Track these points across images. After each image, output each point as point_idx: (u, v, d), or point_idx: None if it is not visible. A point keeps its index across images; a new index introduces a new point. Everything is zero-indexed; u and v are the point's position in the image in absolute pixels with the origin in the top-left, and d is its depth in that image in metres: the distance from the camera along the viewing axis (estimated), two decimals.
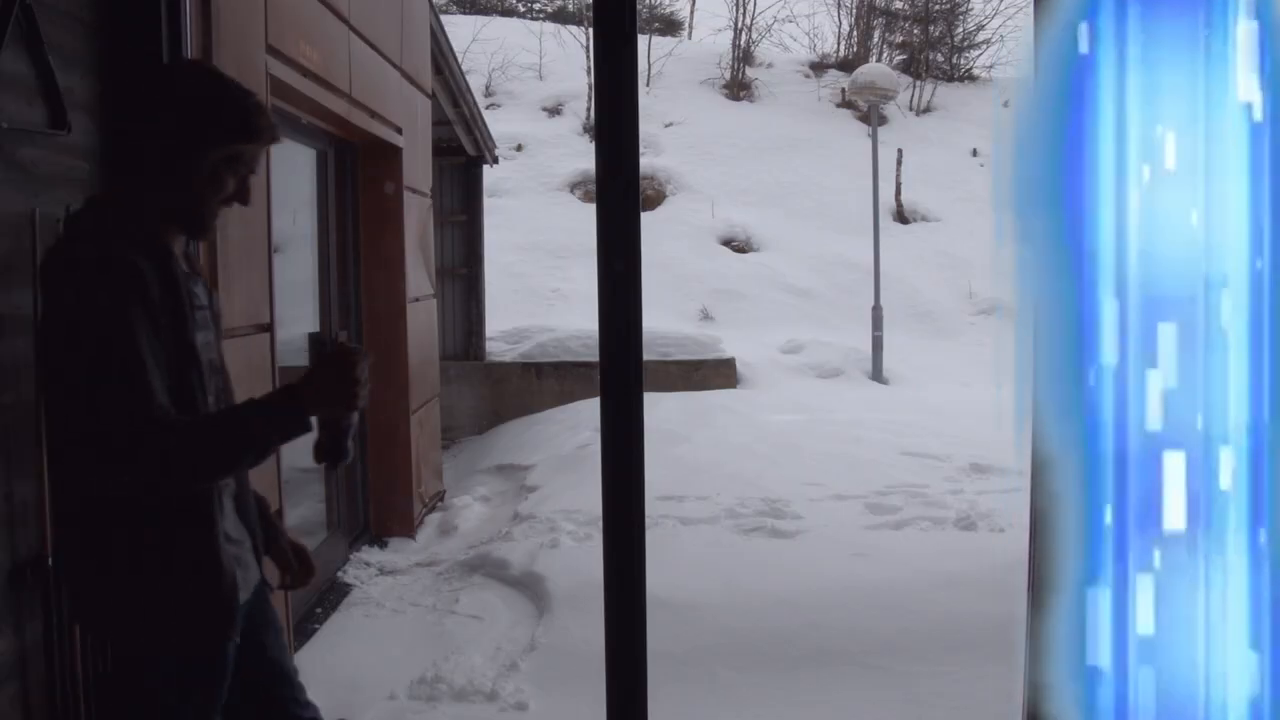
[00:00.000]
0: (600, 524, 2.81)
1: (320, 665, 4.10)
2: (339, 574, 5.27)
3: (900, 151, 17.55)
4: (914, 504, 6.49)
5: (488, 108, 17.78)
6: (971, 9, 22.88)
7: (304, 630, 4.50)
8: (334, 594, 5.04)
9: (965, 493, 6.80)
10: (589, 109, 18.39)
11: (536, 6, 25.86)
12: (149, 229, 1.83)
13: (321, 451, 1.97)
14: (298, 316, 4.85)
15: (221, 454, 1.78)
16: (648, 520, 2.96)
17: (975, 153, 19.35)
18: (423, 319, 6.48)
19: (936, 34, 22.68)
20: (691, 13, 25.73)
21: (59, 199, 2.39)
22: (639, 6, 3.33)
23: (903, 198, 17.47)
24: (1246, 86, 1.62)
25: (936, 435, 8.51)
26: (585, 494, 6.20)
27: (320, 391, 1.81)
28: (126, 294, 1.70)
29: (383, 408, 5.87)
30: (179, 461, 1.73)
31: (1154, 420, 1.69)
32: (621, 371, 2.81)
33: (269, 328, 3.60)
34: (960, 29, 22.74)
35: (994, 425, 8.51)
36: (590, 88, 16.63)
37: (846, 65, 21.26)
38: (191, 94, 1.84)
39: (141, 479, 1.72)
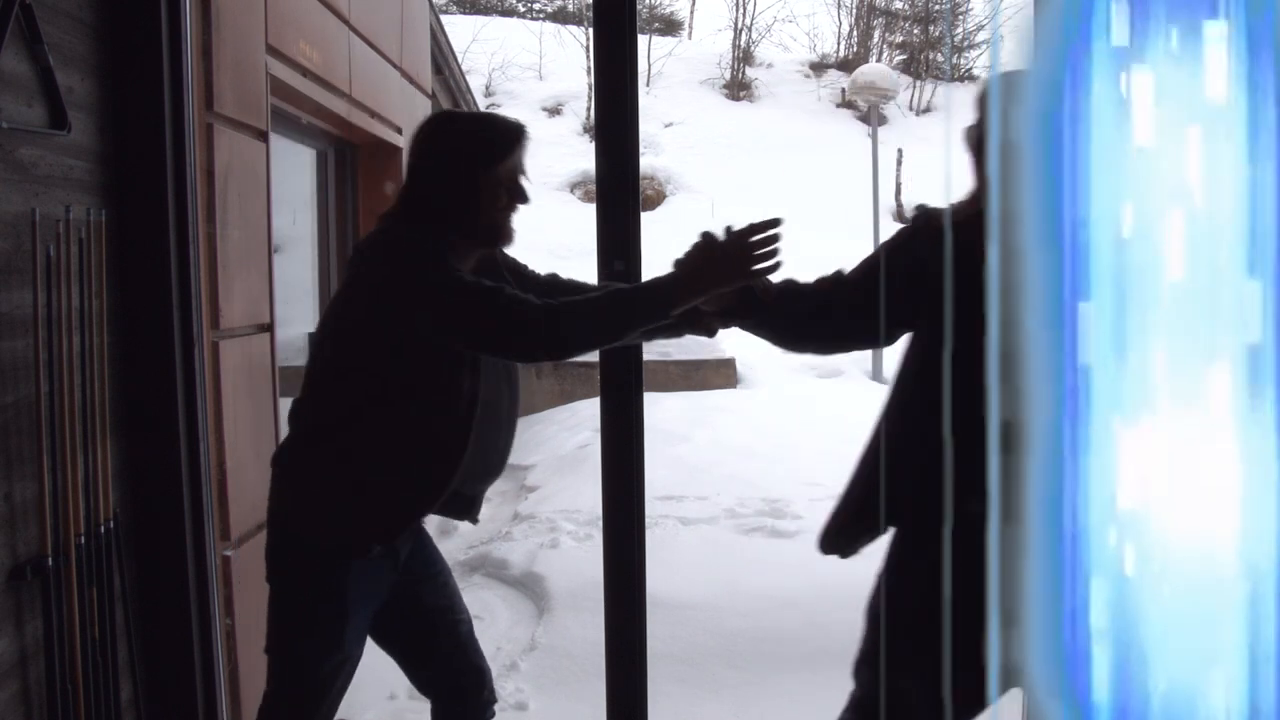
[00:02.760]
0: (600, 524, 2.81)
1: None
2: None
3: (900, 151, 17.57)
4: None
5: (488, 108, 17.77)
6: (971, 9, 22.88)
7: None
8: None
9: None
10: (589, 109, 18.40)
11: (536, 6, 25.87)
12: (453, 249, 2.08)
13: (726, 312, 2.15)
14: (298, 316, 4.84)
15: (580, 339, 2.03)
16: (648, 520, 2.96)
17: None
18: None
19: (936, 34, 22.69)
20: (691, 13, 25.77)
21: (58, 199, 2.39)
22: (639, 6, 3.33)
23: (902, 198, 17.48)
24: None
25: None
26: (585, 494, 6.21)
27: (711, 271, 1.98)
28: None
29: None
30: (537, 338, 1.96)
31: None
32: (621, 371, 2.81)
33: (269, 327, 3.60)
34: (960, 29, 22.75)
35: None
36: (590, 88, 16.63)
37: (846, 65, 21.27)
38: (453, 138, 2.13)
39: (507, 347, 2.01)
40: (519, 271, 2.38)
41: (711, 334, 2.29)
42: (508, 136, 2.12)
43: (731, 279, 2.02)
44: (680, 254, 2.06)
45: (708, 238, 2.04)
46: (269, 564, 2.28)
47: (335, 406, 2.16)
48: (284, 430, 3.76)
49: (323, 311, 2.23)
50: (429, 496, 2.17)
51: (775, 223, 2.03)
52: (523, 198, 2.14)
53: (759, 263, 2.01)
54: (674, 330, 2.23)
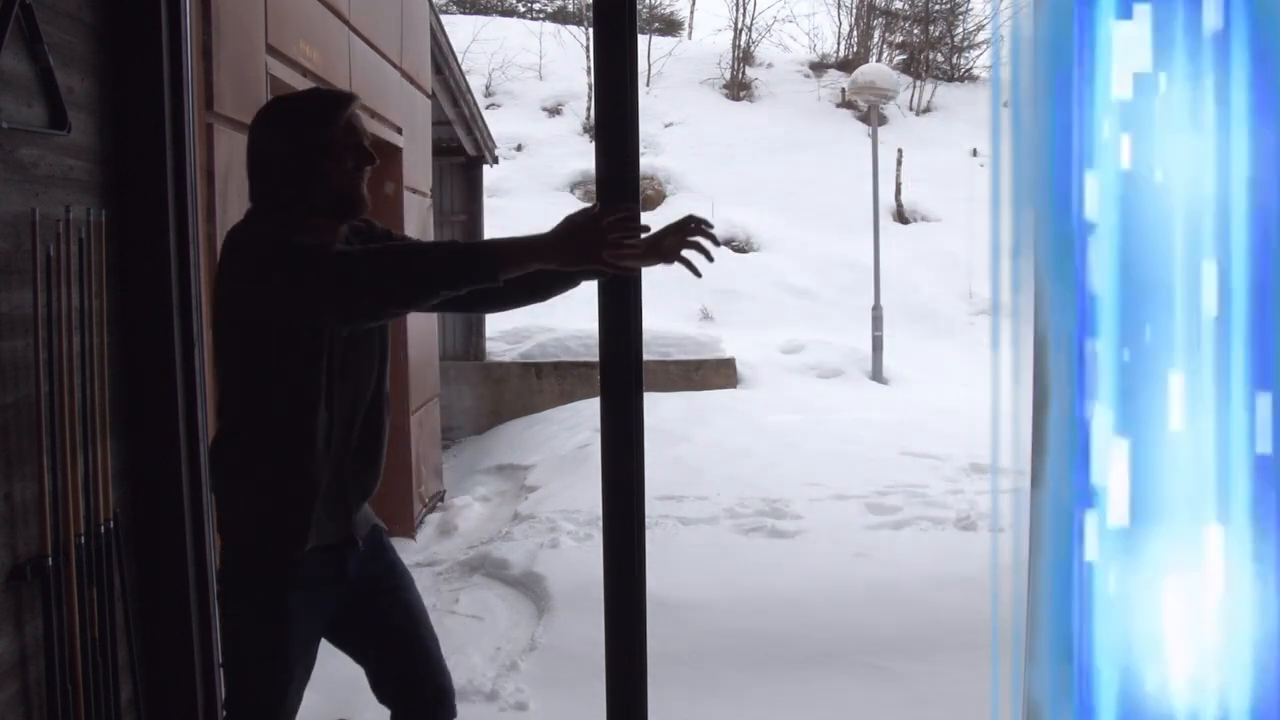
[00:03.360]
0: (600, 524, 2.81)
1: (320, 665, 4.08)
2: None
3: (900, 151, 17.55)
4: (914, 504, 6.49)
5: (488, 108, 17.78)
6: (971, 9, 22.88)
7: None
8: None
9: (965, 493, 6.80)
10: (589, 109, 18.40)
11: (536, 6, 25.88)
12: (312, 229, 2.08)
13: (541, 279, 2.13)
14: None
15: (406, 279, 1.96)
16: (648, 520, 2.96)
17: (975, 153, 19.34)
18: (422, 319, 6.48)
19: (936, 34, 22.69)
20: (691, 13, 25.85)
21: (58, 199, 2.39)
22: (639, 6, 3.33)
23: (903, 198, 17.48)
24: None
25: (936, 435, 8.51)
26: (585, 494, 6.20)
27: (556, 246, 1.97)
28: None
29: None
30: (372, 283, 1.95)
31: None
32: (621, 371, 2.80)
33: None
34: (960, 29, 22.75)
35: (994, 424, 8.54)
36: (590, 88, 16.63)
37: (846, 65, 21.27)
38: (278, 119, 2.11)
39: (349, 300, 1.98)
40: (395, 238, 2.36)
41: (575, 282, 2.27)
42: (331, 102, 2.10)
43: (576, 260, 2.01)
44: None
45: (570, 216, 2.03)
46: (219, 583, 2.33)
47: (232, 408, 2.21)
48: None
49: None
50: (305, 490, 2.14)
51: (631, 210, 2.07)
52: (367, 158, 2.10)
53: (610, 248, 1.99)
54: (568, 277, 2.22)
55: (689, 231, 2.14)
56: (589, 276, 2.21)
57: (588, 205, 2.06)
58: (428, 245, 2.04)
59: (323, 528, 2.19)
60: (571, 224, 2.00)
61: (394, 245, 2.04)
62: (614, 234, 1.99)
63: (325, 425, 2.12)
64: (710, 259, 2.15)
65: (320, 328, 2.06)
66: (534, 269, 2.01)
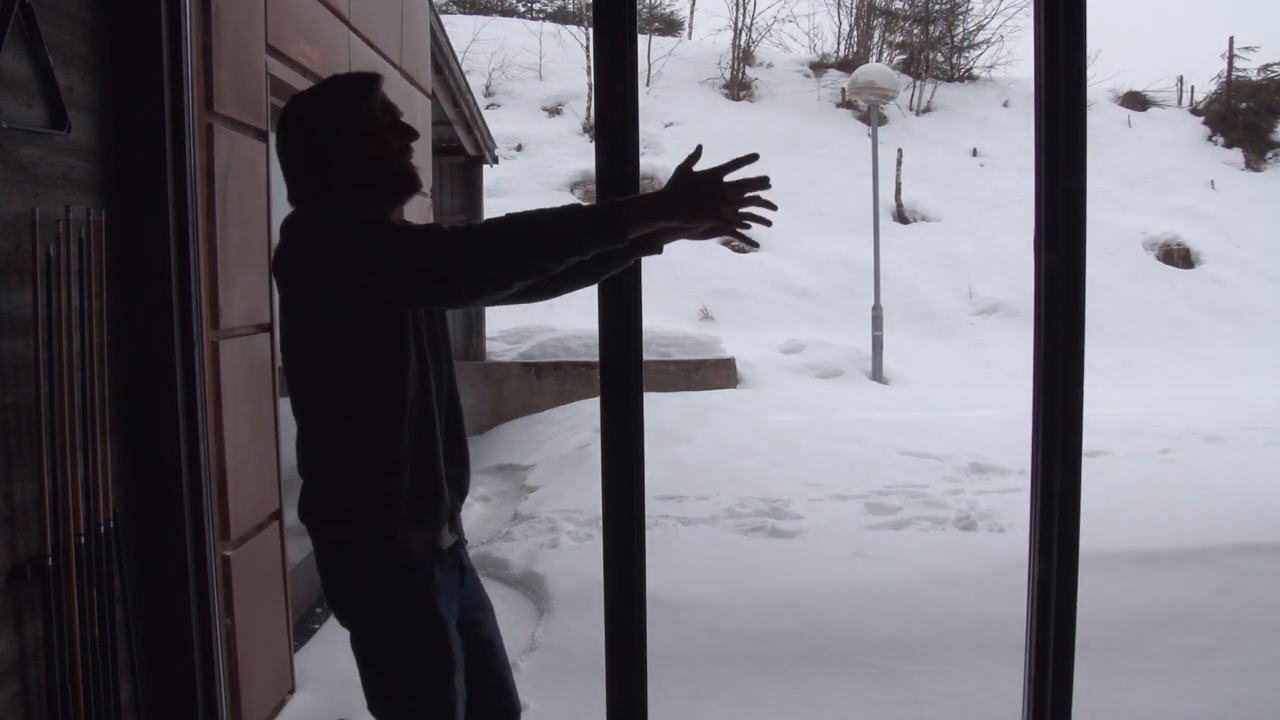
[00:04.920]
0: (600, 524, 2.81)
1: (320, 665, 4.09)
2: None
3: (900, 151, 17.56)
4: (914, 504, 6.49)
5: (488, 108, 17.79)
6: (971, 9, 22.89)
7: (304, 630, 4.50)
8: None
9: (965, 493, 6.80)
10: (589, 109, 18.40)
11: (536, 6, 25.87)
12: (378, 211, 2.03)
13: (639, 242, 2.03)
14: None
15: (528, 249, 1.87)
16: (648, 520, 2.96)
17: (975, 152, 19.34)
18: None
19: (936, 34, 22.68)
20: (691, 12, 25.86)
21: (58, 199, 2.39)
22: (639, 6, 3.32)
23: (902, 197, 17.48)
24: None
25: (936, 435, 8.51)
26: (585, 494, 6.21)
27: (676, 203, 1.86)
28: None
29: None
30: (488, 254, 1.86)
31: None
32: (621, 371, 2.80)
33: (269, 327, 3.61)
34: (960, 29, 22.74)
35: (994, 425, 8.53)
36: (590, 87, 16.63)
37: (846, 65, 21.28)
38: (308, 113, 2.05)
39: (459, 273, 1.86)
40: None
41: (658, 249, 2.19)
42: (361, 84, 2.04)
43: (699, 215, 1.90)
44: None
45: (681, 168, 1.92)
46: (351, 612, 2.14)
47: (334, 428, 2.05)
48: (285, 430, 3.76)
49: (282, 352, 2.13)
50: (433, 475, 2.06)
51: (752, 158, 1.93)
52: (410, 134, 2.06)
53: (731, 205, 1.90)
54: (624, 255, 2.17)
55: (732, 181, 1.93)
56: (696, 235, 2.06)
57: (698, 157, 1.94)
58: (549, 210, 1.90)
59: (444, 533, 2.13)
60: (691, 179, 1.90)
61: (514, 214, 1.91)
62: (735, 193, 1.89)
63: (428, 423, 2.04)
64: (768, 223, 1.97)
65: (416, 312, 1.98)
66: (658, 226, 1.92)
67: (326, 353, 1.99)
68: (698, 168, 1.94)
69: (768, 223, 1.95)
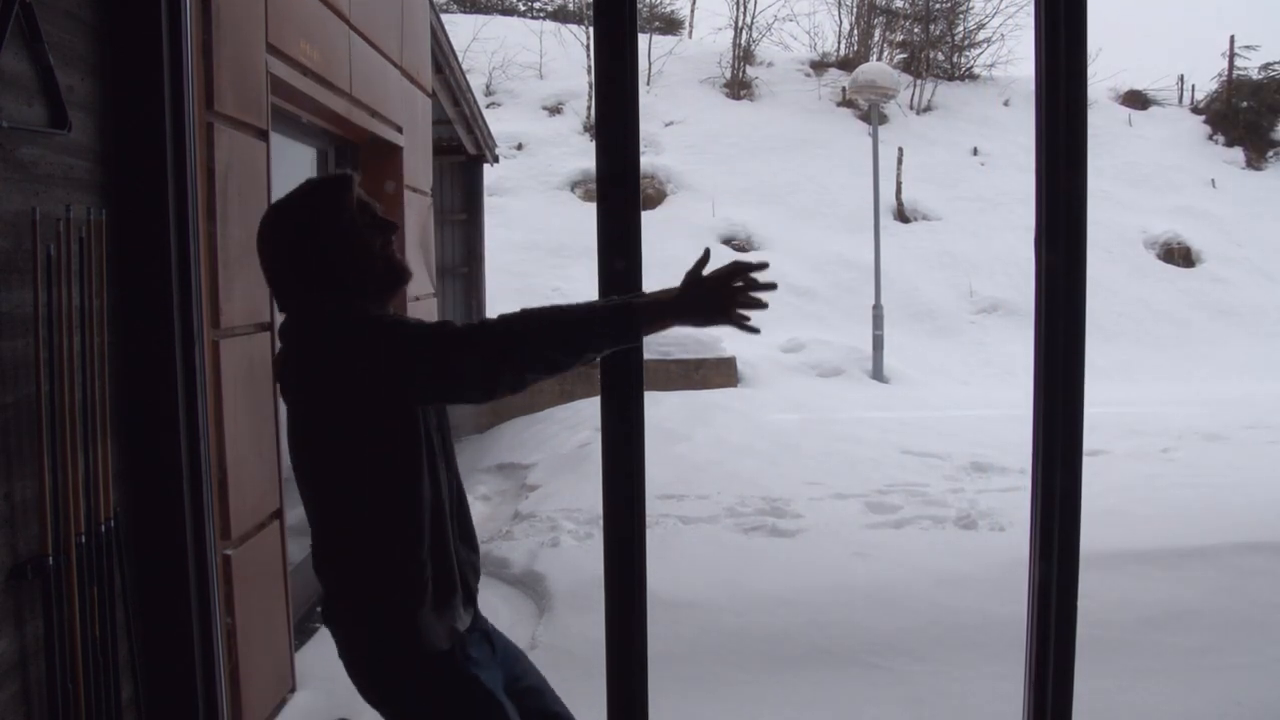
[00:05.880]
0: (600, 523, 2.81)
1: (321, 665, 4.09)
2: None
3: (901, 150, 17.56)
4: (914, 503, 6.49)
5: (488, 107, 17.79)
6: (972, 8, 22.88)
7: (304, 630, 4.50)
8: None
9: (965, 491, 6.81)
10: (589, 108, 18.40)
11: (537, 5, 25.88)
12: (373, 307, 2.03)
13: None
14: None
15: (543, 346, 1.89)
16: (648, 519, 2.96)
17: (976, 151, 19.34)
18: (423, 317, 6.46)
19: (937, 33, 22.68)
20: (692, 11, 25.90)
21: (59, 198, 2.39)
22: (639, 5, 3.32)
23: (903, 196, 17.48)
24: None
25: (937, 434, 8.51)
26: (585, 493, 6.21)
27: (688, 302, 1.92)
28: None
29: None
30: (504, 353, 1.88)
31: None
32: (622, 370, 2.80)
33: (269, 326, 3.61)
34: (961, 28, 22.74)
35: (994, 424, 8.53)
36: (591, 86, 16.63)
37: (847, 64, 21.28)
38: (290, 221, 2.04)
39: (476, 371, 1.89)
40: None
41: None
42: (332, 189, 2.04)
43: (710, 318, 1.97)
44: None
45: (693, 272, 1.97)
46: (395, 703, 2.12)
47: (354, 531, 2.03)
48: (284, 429, 3.76)
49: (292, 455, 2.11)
50: (451, 566, 2.08)
51: (762, 266, 1.96)
52: (389, 228, 2.07)
53: (742, 305, 1.96)
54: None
55: (739, 280, 2.00)
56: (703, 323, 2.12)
57: (706, 261, 1.98)
58: (564, 308, 1.93)
59: (460, 615, 2.13)
60: (702, 283, 1.95)
61: (530, 310, 1.93)
62: (743, 294, 1.95)
63: (442, 516, 2.05)
64: (764, 306, 2.02)
65: (422, 406, 1.99)
66: (671, 325, 1.97)
67: (343, 458, 1.99)
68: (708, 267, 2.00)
69: (765, 306, 2.01)
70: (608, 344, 1.94)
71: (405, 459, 1.96)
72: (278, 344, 2.07)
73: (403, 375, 1.89)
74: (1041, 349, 2.91)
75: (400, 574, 1.99)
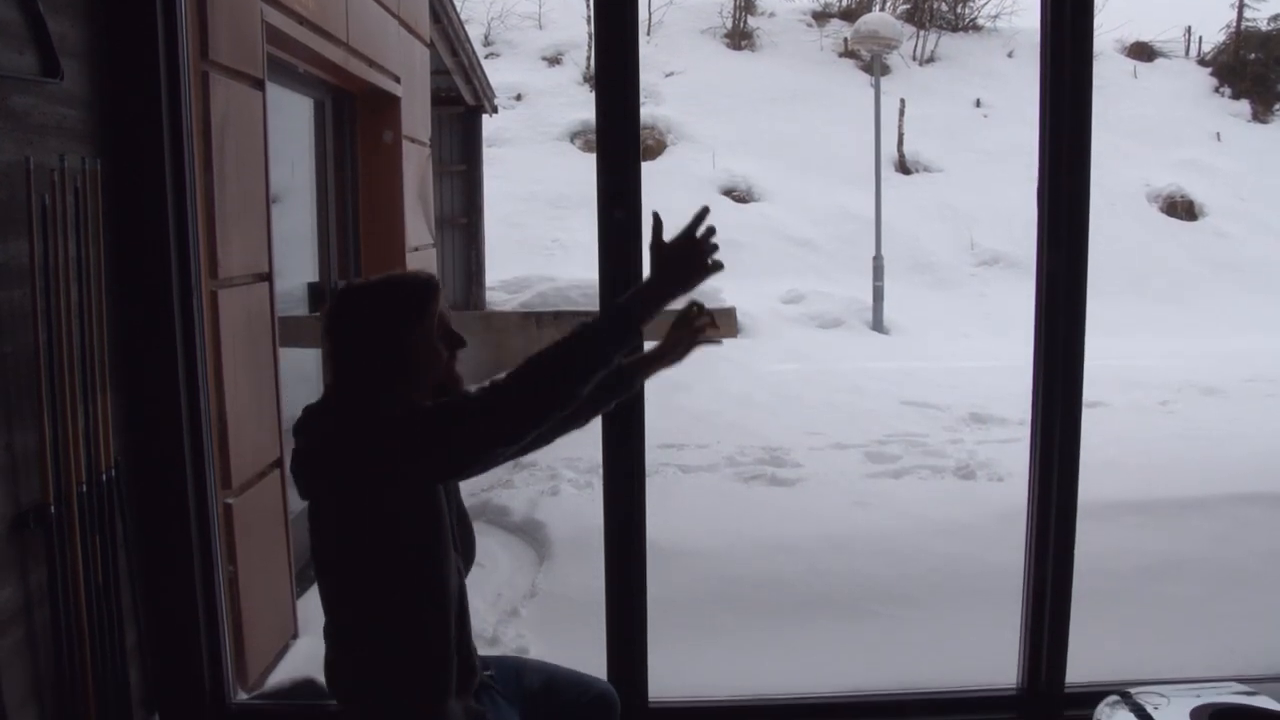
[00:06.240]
0: (600, 472, 2.83)
1: (321, 612, 4.13)
2: None
3: (903, 102, 17.41)
4: (913, 453, 6.52)
5: (486, 57, 17.61)
6: None
7: (307, 577, 4.52)
8: None
9: (964, 442, 6.83)
10: (589, 58, 18.22)
11: None
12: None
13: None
14: (297, 266, 4.83)
15: (556, 376, 1.91)
16: (648, 468, 2.98)
17: (979, 103, 19.19)
18: (422, 268, 6.44)
19: None
20: None
21: (52, 148, 2.38)
22: None
23: (905, 148, 17.36)
24: None
25: (936, 385, 8.52)
26: (586, 442, 6.18)
27: (664, 283, 1.95)
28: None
29: None
30: (523, 396, 1.90)
31: None
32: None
33: (268, 277, 3.60)
34: None
35: (993, 375, 8.54)
36: (590, 37, 16.46)
37: (849, 14, 21.02)
38: (368, 310, 2.02)
39: (505, 425, 1.90)
40: None
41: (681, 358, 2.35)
42: (421, 293, 2.04)
43: (690, 279, 1.98)
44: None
45: (655, 247, 2.00)
46: None
47: (383, 617, 2.02)
48: (285, 381, 3.76)
49: (312, 549, 2.08)
50: (470, 652, 2.11)
51: (705, 211, 1.98)
52: (459, 342, 2.08)
53: (709, 253, 1.97)
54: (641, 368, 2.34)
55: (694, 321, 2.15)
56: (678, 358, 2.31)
57: (659, 229, 2.01)
58: (557, 342, 1.95)
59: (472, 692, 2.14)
60: (671, 251, 1.97)
61: (531, 356, 1.94)
62: (706, 243, 1.97)
63: (464, 605, 2.08)
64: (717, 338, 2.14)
65: (461, 478, 2.04)
66: (665, 306, 2.00)
67: (373, 547, 1.97)
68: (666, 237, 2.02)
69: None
70: (613, 349, 1.94)
71: (434, 546, 1.98)
72: (294, 439, 2.04)
73: (434, 457, 1.91)
74: (1042, 301, 2.91)
75: (428, 666, 1.99)
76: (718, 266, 1.97)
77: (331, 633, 2.07)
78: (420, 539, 1.96)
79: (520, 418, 1.90)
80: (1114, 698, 2.08)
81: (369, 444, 1.89)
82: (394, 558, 1.96)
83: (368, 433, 1.90)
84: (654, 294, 1.96)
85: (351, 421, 1.93)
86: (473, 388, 1.96)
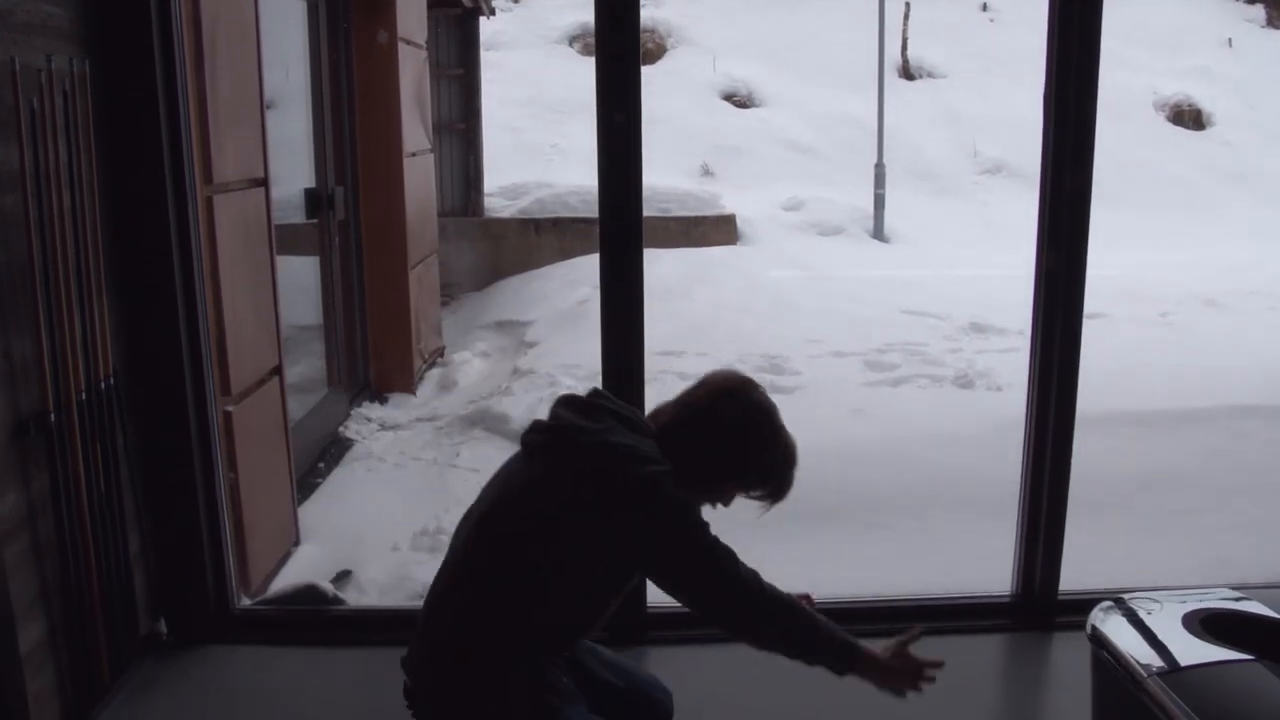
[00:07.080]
0: (600, 379, 2.82)
1: (324, 519, 4.17)
2: (340, 429, 5.32)
3: (908, 5, 17.08)
4: (912, 362, 6.52)
5: None
6: None
7: (307, 485, 4.56)
8: (336, 449, 5.09)
9: (964, 351, 6.83)
10: None
11: None
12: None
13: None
14: (293, 172, 4.78)
15: (763, 627, 2.04)
16: (646, 375, 2.97)
17: (985, 7, 18.83)
18: (420, 174, 6.39)
19: None
20: None
21: (38, 47, 2.32)
22: None
23: (909, 53, 17.08)
24: None
25: (936, 294, 8.49)
26: (584, 349, 6.21)
27: (887, 672, 2.03)
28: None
29: (381, 263, 5.85)
30: (739, 606, 2.04)
31: None
32: (621, 227, 2.78)
33: (263, 182, 3.55)
34: None
35: (994, 285, 8.51)
36: None
37: None
38: (766, 433, 2.14)
39: (712, 598, 2.04)
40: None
41: None
42: (792, 466, 2.16)
43: (896, 688, 2.05)
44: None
45: (902, 648, 2.05)
46: None
47: (530, 612, 2.06)
48: (283, 286, 3.74)
49: (511, 513, 2.07)
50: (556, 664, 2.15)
51: (918, 633, 2.07)
52: (728, 504, 2.18)
53: (920, 683, 2.04)
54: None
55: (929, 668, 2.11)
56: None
57: (915, 639, 2.07)
58: (804, 610, 2.04)
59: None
60: (903, 664, 2.04)
61: (777, 591, 2.05)
62: (925, 674, 2.03)
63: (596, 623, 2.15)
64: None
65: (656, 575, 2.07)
66: (866, 676, 2.05)
67: (567, 563, 2.01)
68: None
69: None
70: (818, 663, 2.03)
71: (605, 591, 2.06)
72: (588, 443, 2.09)
73: (673, 566, 2.01)
74: (1046, 211, 2.88)
75: (543, 674, 2.06)
76: (919, 688, 2.06)
77: (463, 611, 2.07)
78: (608, 587, 2.06)
79: (721, 608, 2.04)
80: (1107, 603, 2.10)
81: (667, 514, 1.97)
82: (578, 576, 2.03)
83: (675, 507, 1.98)
84: (874, 667, 2.02)
85: (669, 488, 1.98)
86: (738, 554, 2.06)
